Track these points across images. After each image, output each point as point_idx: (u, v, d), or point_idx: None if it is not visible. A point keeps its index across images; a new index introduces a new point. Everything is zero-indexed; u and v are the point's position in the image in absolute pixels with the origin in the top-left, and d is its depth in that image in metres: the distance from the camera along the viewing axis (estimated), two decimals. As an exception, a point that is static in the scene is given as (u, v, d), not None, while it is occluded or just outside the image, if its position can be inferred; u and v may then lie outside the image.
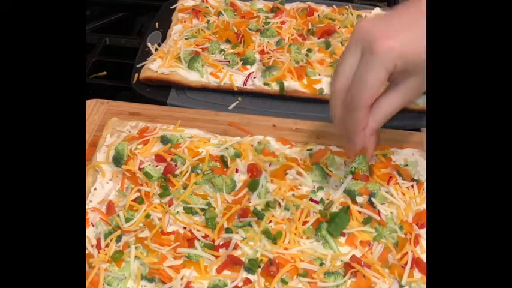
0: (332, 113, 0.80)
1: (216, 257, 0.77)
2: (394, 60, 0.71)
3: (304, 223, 0.81)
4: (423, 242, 0.79)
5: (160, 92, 1.08)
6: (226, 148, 0.91)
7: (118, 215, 0.81)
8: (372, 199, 0.84)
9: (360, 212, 0.82)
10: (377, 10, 1.30)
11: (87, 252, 0.76)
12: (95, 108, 1.01)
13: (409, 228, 0.80)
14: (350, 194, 0.85)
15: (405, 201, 0.85)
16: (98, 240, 0.78)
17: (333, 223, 0.79)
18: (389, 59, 0.71)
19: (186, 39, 1.17)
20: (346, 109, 0.76)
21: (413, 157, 0.92)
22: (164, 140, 0.92)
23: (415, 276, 0.75)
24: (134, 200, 0.83)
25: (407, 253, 0.77)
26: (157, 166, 0.89)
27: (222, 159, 0.89)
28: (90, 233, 0.80)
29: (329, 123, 0.99)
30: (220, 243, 0.78)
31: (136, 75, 1.10)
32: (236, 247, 0.77)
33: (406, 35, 0.72)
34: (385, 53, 0.71)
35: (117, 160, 0.89)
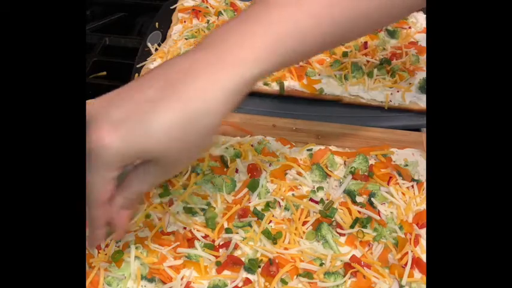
0: None
1: (216, 257, 0.77)
2: (111, 158, 0.60)
3: (304, 223, 0.81)
4: (423, 242, 0.79)
5: (160, 92, 1.08)
6: (226, 148, 0.91)
7: (118, 215, 0.81)
8: (372, 199, 0.84)
9: (359, 212, 0.82)
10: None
11: (87, 252, 0.76)
12: (95, 108, 1.01)
13: (409, 228, 0.80)
14: (350, 194, 0.85)
15: (405, 201, 0.85)
16: (98, 240, 0.78)
17: None
18: (105, 158, 0.60)
19: (186, 39, 1.17)
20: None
21: (413, 157, 0.92)
22: (164, 140, 0.92)
23: (415, 276, 0.75)
24: (134, 200, 0.83)
25: (407, 253, 0.77)
26: (157, 166, 0.89)
27: (222, 159, 0.89)
28: (90, 233, 0.80)
29: (329, 123, 0.99)
30: (220, 243, 0.78)
31: (136, 75, 1.10)
32: (236, 247, 0.77)
33: (130, 125, 0.60)
34: (99, 151, 0.60)
35: (117, 160, 0.89)
